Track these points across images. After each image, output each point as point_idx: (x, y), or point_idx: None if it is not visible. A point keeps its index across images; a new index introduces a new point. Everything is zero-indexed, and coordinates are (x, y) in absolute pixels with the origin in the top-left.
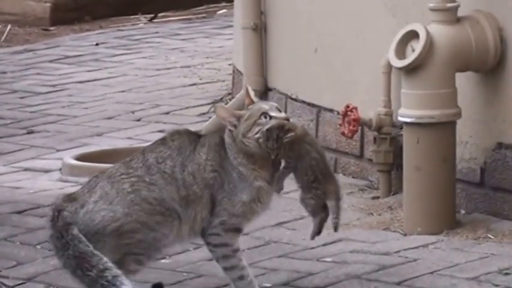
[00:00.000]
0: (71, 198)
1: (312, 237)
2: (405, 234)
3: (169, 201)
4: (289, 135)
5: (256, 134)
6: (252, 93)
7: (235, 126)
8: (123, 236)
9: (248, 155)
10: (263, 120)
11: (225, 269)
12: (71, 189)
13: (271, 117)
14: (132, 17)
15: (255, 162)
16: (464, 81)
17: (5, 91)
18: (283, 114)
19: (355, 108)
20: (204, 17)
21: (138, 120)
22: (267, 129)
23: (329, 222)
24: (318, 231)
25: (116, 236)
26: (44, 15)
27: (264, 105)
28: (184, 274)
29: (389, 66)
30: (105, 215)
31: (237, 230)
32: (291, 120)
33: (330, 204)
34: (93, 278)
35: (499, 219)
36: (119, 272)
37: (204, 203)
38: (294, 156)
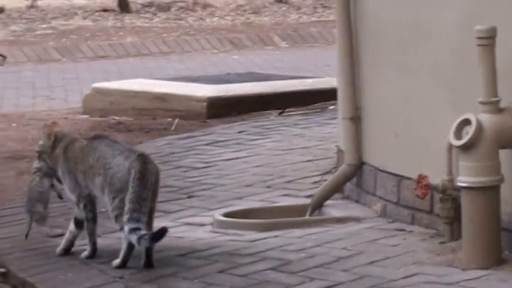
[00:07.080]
0: None
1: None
2: (464, 269)
3: None
4: None
5: None
6: None
7: None
8: None
9: None
10: None
11: None
12: (220, 238)
13: None
14: (265, 112)
15: None
16: (505, 155)
17: (172, 167)
18: None
19: (426, 176)
20: (318, 111)
21: (269, 187)
22: None
23: None
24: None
25: None
26: (202, 111)
27: None
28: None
29: (451, 145)
30: None
31: None
32: None
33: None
34: None
35: None
36: None
37: None
38: None
